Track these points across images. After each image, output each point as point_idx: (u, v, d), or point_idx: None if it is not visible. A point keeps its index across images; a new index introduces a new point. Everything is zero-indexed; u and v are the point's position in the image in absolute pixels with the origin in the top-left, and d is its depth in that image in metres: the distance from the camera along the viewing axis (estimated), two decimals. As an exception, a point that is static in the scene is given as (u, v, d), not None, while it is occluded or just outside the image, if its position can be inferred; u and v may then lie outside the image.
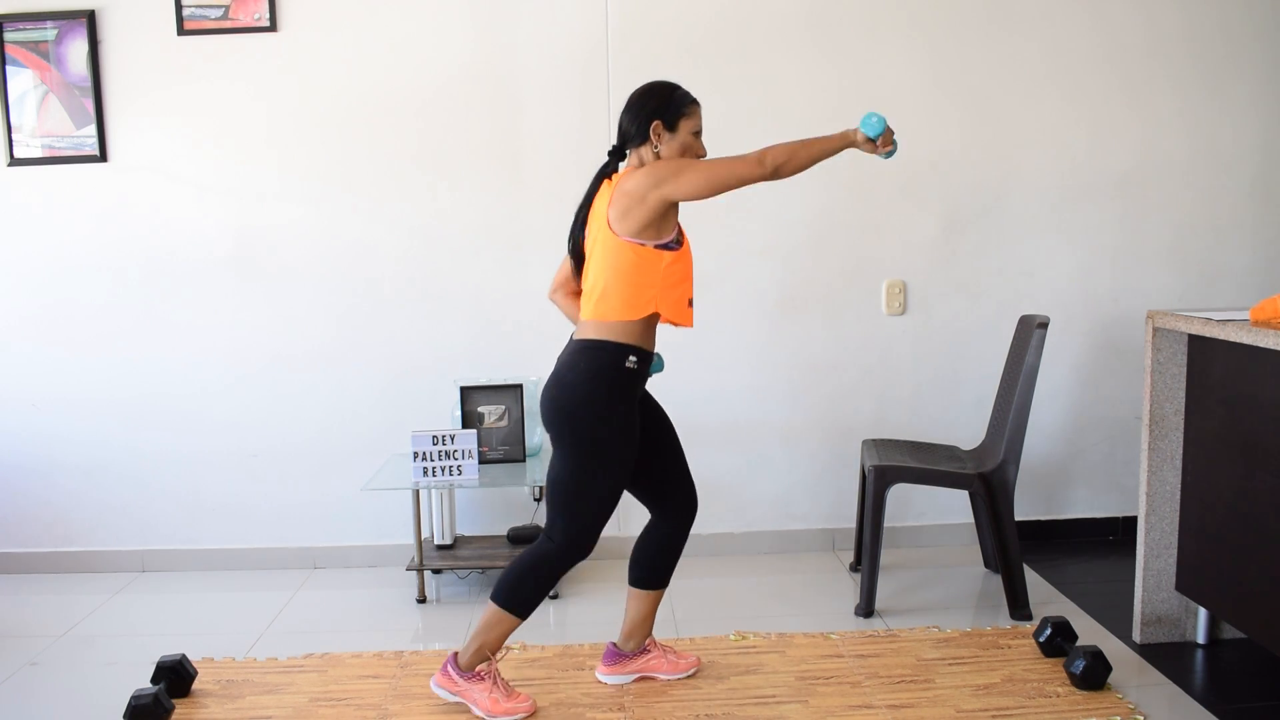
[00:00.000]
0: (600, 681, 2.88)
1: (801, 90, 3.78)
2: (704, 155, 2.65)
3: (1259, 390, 2.66)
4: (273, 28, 3.72)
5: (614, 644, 2.90)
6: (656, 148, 2.59)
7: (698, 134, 2.63)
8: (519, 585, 2.65)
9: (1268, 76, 3.87)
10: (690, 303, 2.66)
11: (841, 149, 2.56)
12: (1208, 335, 2.75)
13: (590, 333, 2.61)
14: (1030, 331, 3.31)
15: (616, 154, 2.69)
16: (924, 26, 3.79)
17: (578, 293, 2.74)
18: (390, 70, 3.76)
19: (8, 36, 3.73)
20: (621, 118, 2.65)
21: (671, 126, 2.59)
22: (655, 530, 2.84)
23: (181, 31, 3.72)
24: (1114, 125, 3.86)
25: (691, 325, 2.67)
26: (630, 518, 3.91)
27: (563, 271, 2.83)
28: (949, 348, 3.92)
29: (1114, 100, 3.85)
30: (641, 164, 2.62)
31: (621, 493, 2.66)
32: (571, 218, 3.76)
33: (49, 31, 3.73)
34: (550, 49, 3.76)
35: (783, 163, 2.50)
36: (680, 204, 2.60)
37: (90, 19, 3.71)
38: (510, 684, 2.75)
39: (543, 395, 2.65)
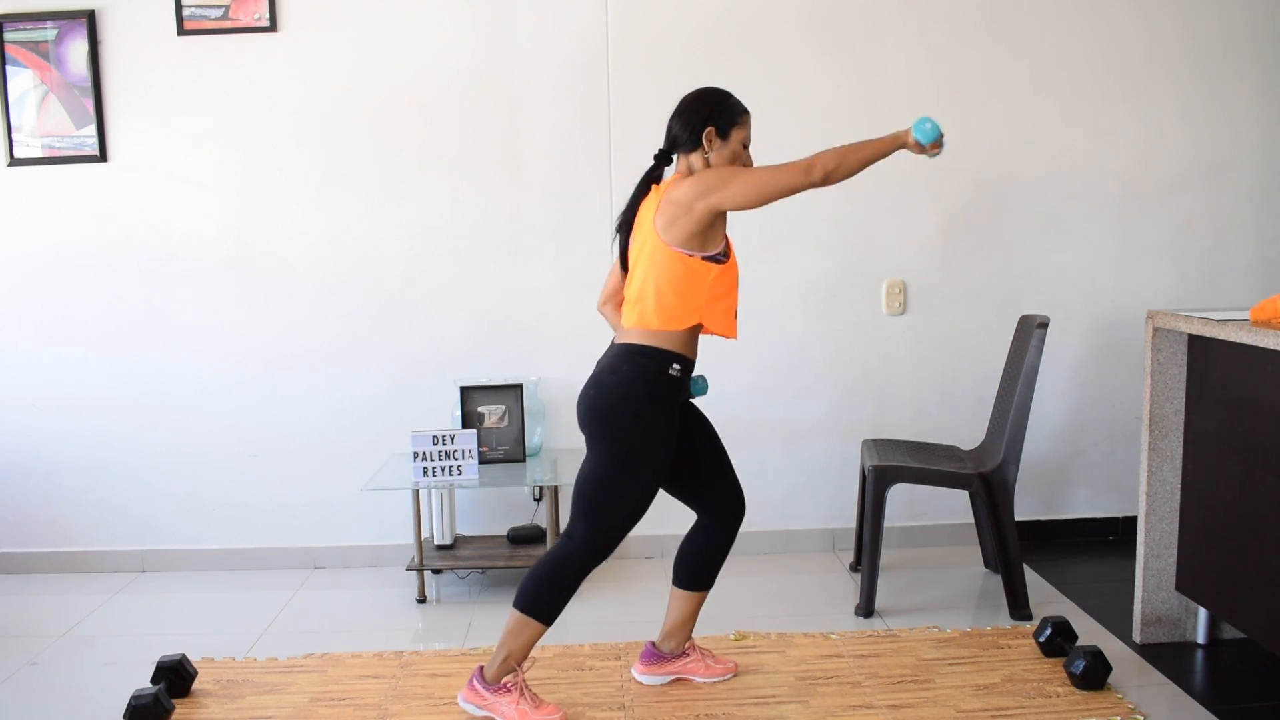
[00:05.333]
0: (636, 680, 2.87)
1: (803, 90, 3.78)
2: (751, 166, 2.62)
3: (1259, 390, 2.66)
4: (273, 28, 3.72)
5: (653, 643, 2.88)
6: (707, 154, 2.56)
7: (747, 145, 2.61)
8: (540, 590, 2.61)
9: (1268, 77, 3.87)
10: (735, 314, 2.64)
11: (893, 151, 2.52)
12: (1208, 335, 2.75)
13: (634, 339, 2.58)
14: (1030, 331, 3.31)
15: (662, 158, 2.64)
16: (925, 27, 3.79)
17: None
18: (391, 71, 3.76)
19: (8, 36, 3.73)
20: (671, 122, 2.61)
21: (724, 134, 2.56)
22: (701, 531, 2.81)
23: (181, 31, 3.72)
24: (1114, 125, 3.86)
25: (735, 337, 2.65)
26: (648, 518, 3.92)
27: (612, 282, 2.79)
28: (949, 348, 3.92)
29: (1114, 100, 3.85)
30: (690, 171, 2.59)
31: (651, 500, 2.61)
32: (576, 219, 3.81)
33: (49, 31, 3.73)
34: (551, 50, 3.76)
35: (832, 169, 2.46)
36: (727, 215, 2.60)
37: (90, 19, 3.71)
38: (539, 696, 2.70)
39: (581, 396, 2.61)
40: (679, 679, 2.88)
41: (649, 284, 2.56)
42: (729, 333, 2.63)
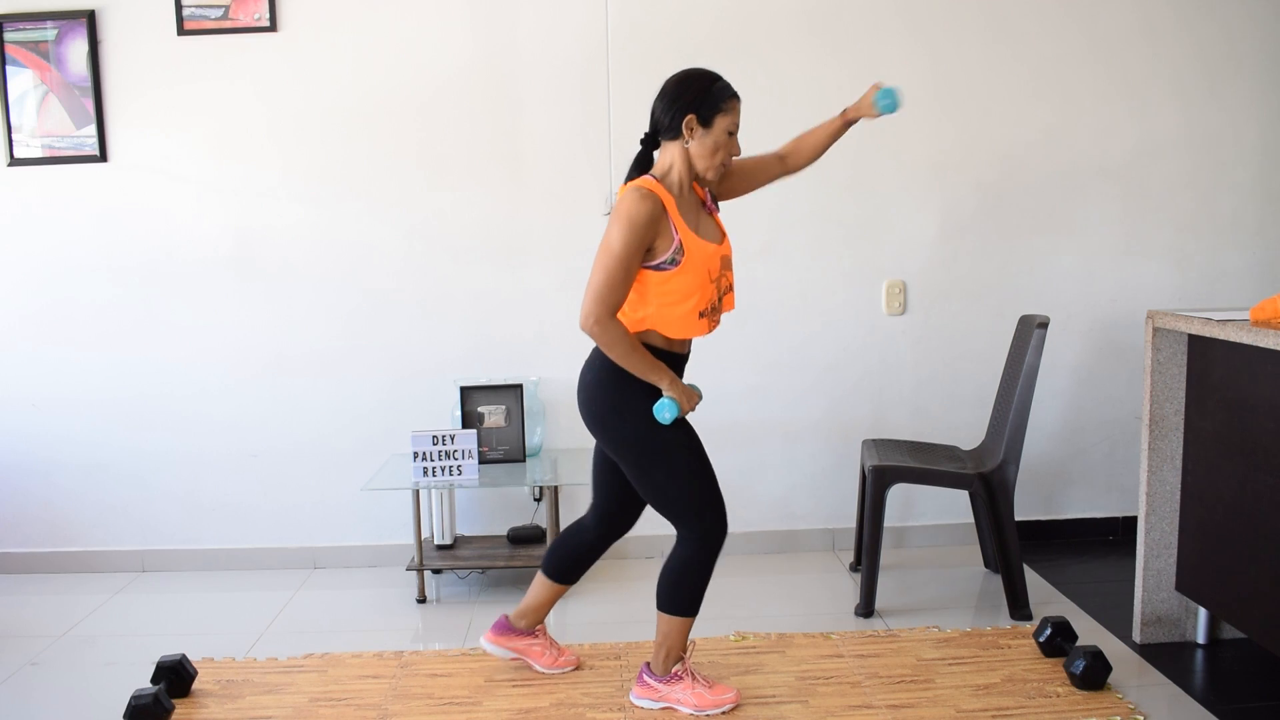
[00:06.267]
0: (480, 647, 2.94)
1: (804, 90, 3.78)
2: (738, 155, 2.55)
3: (1259, 390, 2.66)
4: (273, 28, 3.72)
5: (507, 616, 2.92)
6: (687, 143, 2.48)
7: (733, 132, 2.49)
8: (679, 589, 2.62)
9: (1268, 76, 3.87)
10: (703, 313, 2.53)
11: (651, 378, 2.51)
12: (1208, 335, 2.75)
13: None
14: (1030, 331, 3.31)
15: (649, 142, 2.55)
16: (925, 27, 3.79)
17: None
18: (390, 70, 3.76)
19: (8, 36, 3.73)
20: (655, 105, 2.50)
21: (706, 122, 2.46)
22: (583, 531, 2.85)
23: (181, 31, 3.72)
24: (1114, 125, 3.86)
25: (702, 334, 2.57)
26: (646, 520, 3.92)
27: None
28: (949, 348, 3.92)
29: (1114, 99, 3.85)
30: (669, 165, 2.50)
31: (705, 454, 2.58)
32: (576, 219, 3.81)
33: (49, 31, 3.73)
34: (550, 49, 3.76)
35: (603, 342, 2.46)
36: (722, 195, 2.69)
37: (90, 19, 3.71)
38: (709, 677, 2.77)
39: (578, 399, 2.62)
40: (519, 659, 2.93)
41: None
42: (693, 333, 2.55)
